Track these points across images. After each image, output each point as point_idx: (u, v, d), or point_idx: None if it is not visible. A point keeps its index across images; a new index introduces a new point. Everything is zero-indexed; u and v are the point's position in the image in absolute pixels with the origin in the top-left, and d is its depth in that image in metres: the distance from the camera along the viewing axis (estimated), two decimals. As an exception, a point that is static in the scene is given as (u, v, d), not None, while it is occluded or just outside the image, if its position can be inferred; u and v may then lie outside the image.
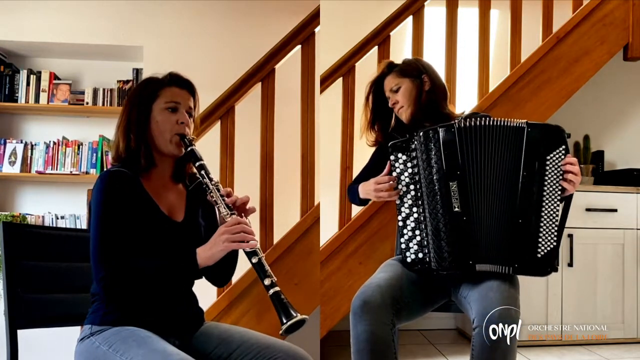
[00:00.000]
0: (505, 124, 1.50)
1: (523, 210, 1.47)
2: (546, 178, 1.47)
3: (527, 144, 1.47)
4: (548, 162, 1.47)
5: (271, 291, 1.26)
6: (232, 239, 1.29)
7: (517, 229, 1.47)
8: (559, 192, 1.48)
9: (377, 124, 1.92)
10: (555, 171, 1.47)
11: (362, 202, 1.86)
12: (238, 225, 1.31)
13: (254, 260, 1.29)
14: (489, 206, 1.49)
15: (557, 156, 1.47)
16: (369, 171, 1.87)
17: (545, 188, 1.47)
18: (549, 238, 1.47)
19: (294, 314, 1.23)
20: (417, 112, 1.81)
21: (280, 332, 1.23)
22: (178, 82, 1.44)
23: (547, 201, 1.47)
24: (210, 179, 1.38)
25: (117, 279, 1.26)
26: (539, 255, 1.46)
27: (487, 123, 1.50)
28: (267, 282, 1.27)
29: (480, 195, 1.49)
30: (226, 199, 1.37)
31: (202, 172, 1.38)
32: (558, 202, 1.48)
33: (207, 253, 1.30)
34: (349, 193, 1.93)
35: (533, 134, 1.48)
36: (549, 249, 1.47)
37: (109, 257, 1.27)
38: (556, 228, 1.48)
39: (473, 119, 1.51)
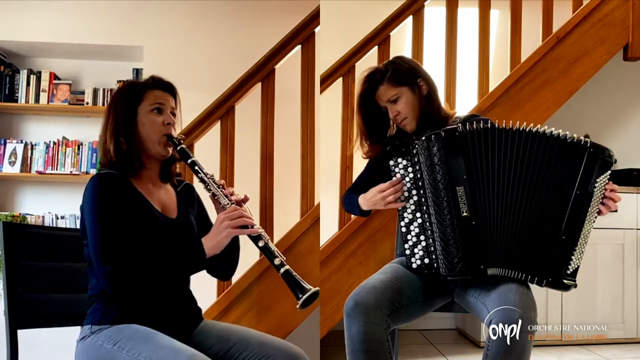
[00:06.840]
0: (560, 136, 1.45)
1: (569, 227, 1.44)
2: (592, 199, 1.45)
3: (586, 164, 1.43)
4: (596, 185, 1.44)
5: (282, 270, 1.31)
6: (234, 224, 1.33)
7: (558, 245, 1.44)
8: (596, 214, 1.48)
9: (372, 137, 1.76)
10: (599, 194, 1.46)
11: (363, 213, 1.75)
12: (237, 212, 1.34)
13: (260, 244, 1.34)
14: (509, 213, 1.45)
15: (603, 180, 1.46)
16: (367, 181, 1.75)
17: (589, 209, 1.46)
18: (579, 256, 1.47)
19: (307, 288, 1.30)
20: (421, 121, 1.71)
21: (297, 306, 1.28)
22: (160, 85, 1.46)
23: (587, 221, 1.46)
24: (205, 173, 1.41)
25: (123, 273, 1.27)
26: (568, 272, 1.46)
27: (516, 129, 1.45)
28: (276, 261, 1.32)
29: (497, 201, 1.45)
30: (224, 189, 1.41)
31: (196, 167, 1.41)
32: (593, 223, 1.48)
33: (212, 242, 1.33)
34: (346, 203, 1.81)
35: (594, 155, 1.43)
36: (576, 266, 1.47)
37: (113, 253, 1.27)
38: (585, 247, 1.48)
39: (480, 123, 1.47)
